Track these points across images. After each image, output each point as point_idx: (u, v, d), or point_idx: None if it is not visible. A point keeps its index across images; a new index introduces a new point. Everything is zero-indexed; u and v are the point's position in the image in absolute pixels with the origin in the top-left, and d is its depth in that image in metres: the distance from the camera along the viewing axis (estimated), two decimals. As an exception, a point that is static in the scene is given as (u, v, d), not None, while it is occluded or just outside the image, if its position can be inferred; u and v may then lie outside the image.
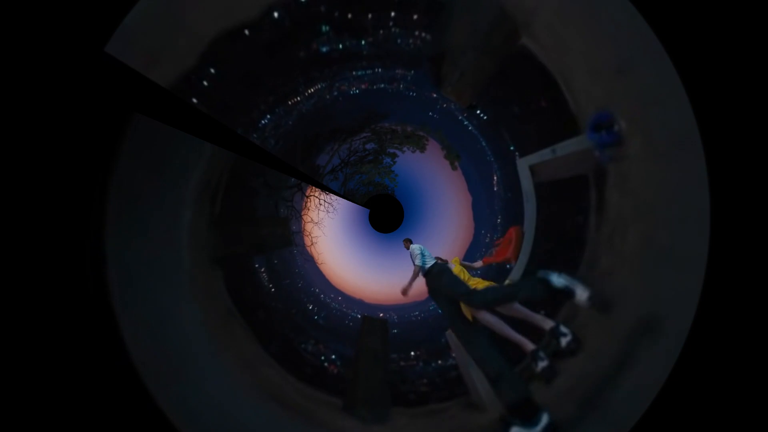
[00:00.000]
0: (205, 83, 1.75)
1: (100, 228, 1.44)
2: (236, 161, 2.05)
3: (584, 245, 1.88)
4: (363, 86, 2.22)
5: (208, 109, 1.75)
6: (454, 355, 2.16)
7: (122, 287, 1.48)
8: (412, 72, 2.16)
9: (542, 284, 1.84)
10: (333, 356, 2.26)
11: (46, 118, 1.28)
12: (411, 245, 2.30)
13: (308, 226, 2.60)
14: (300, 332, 2.31)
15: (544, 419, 1.61)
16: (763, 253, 1.34)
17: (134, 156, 1.48)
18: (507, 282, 2.10)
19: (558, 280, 1.81)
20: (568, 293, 1.79)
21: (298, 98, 2.15)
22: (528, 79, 1.92)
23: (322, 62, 2.04)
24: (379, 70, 2.15)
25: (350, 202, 2.59)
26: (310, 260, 2.59)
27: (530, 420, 1.62)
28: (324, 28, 1.92)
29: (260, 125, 2.10)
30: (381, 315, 2.44)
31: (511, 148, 2.24)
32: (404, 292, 2.17)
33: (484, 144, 2.37)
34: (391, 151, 2.55)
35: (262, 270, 2.35)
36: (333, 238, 2.62)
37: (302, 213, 2.56)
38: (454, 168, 2.54)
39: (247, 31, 1.76)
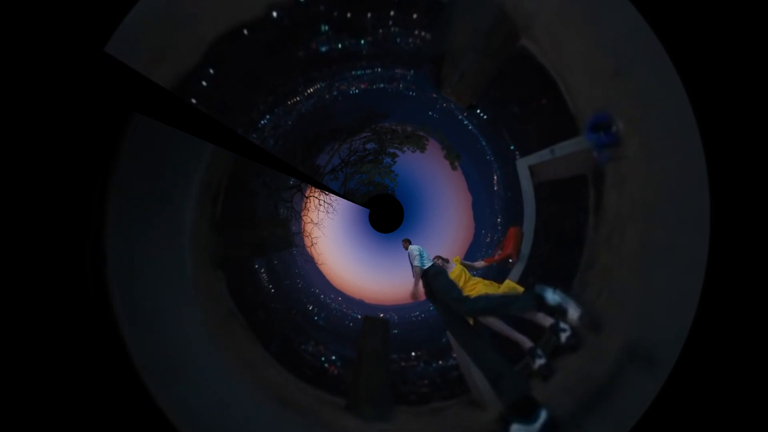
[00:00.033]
0: (204, 83, 1.76)
1: (100, 228, 1.44)
2: (237, 162, 2.05)
3: (583, 245, 1.88)
4: (362, 86, 2.22)
5: (207, 109, 1.75)
6: (454, 355, 2.16)
7: (122, 287, 1.48)
8: (412, 72, 2.16)
9: (536, 299, 1.87)
10: (333, 357, 2.26)
11: (47, 118, 1.29)
12: (410, 246, 2.31)
13: (308, 227, 2.60)
14: (300, 333, 2.31)
15: (543, 416, 1.62)
16: (763, 254, 1.34)
17: (134, 156, 1.49)
18: (506, 282, 2.10)
19: (552, 297, 1.84)
20: (561, 311, 1.79)
21: (298, 98, 2.15)
22: (528, 79, 1.92)
23: (322, 62, 2.04)
24: (379, 69, 2.15)
25: (350, 202, 2.59)
26: (310, 261, 2.58)
27: (529, 417, 1.63)
28: (323, 28, 1.93)
29: (260, 125, 2.10)
30: (381, 315, 2.44)
31: (511, 147, 2.24)
32: (414, 295, 2.21)
33: (484, 143, 2.37)
34: (391, 150, 2.55)
35: (262, 271, 2.35)
36: (333, 239, 2.61)
37: (302, 214, 2.56)
38: (454, 168, 2.54)
39: (246, 31, 1.76)
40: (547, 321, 1.87)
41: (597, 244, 1.83)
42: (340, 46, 2.00)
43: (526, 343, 1.91)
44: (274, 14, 1.79)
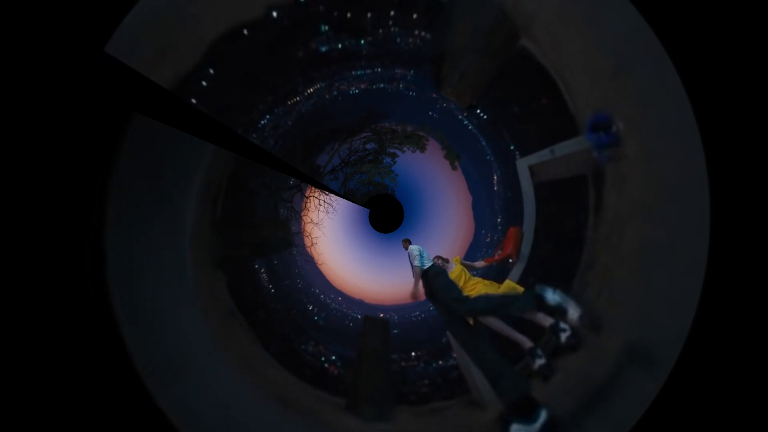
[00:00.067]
0: (204, 83, 1.75)
1: (100, 228, 1.44)
2: (237, 163, 2.05)
3: (583, 245, 1.88)
4: (362, 86, 2.22)
5: (207, 109, 1.75)
6: (454, 355, 2.16)
7: (122, 287, 1.48)
8: (412, 71, 2.16)
9: (536, 299, 1.87)
10: (333, 357, 2.26)
11: (47, 118, 1.29)
12: (410, 246, 2.32)
13: (308, 227, 2.60)
14: (300, 333, 2.31)
15: (543, 415, 1.62)
16: (763, 253, 1.34)
17: (134, 156, 1.48)
18: (506, 282, 2.10)
19: (553, 296, 1.83)
20: (561, 311, 1.79)
21: (298, 98, 2.15)
22: (528, 79, 1.93)
23: (322, 62, 2.04)
24: (379, 69, 2.15)
25: (350, 202, 2.59)
26: (310, 261, 2.58)
27: (529, 417, 1.63)
28: (323, 28, 1.92)
29: (259, 125, 2.10)
30: (381, 315, 2.44)
31: (511, 147, 2.24)
32: (414, 295, 2.21)
33: (484, 143, 2.37)
34: (391, 150, 2.55)
35: (262, 271, 2.35)
36: (333, 239, 2.61)
37: (302, 214, 2.56)
38: (454, 168, 2.54)
39: (246, 31, 1.76)
40: (547, 321, 1.87)
41: (597, 244, 1.83)
42: (340, 46, 2.00)
43: (526, 343, 1.91)
44: (274, 14, 1.79)
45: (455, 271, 2.19)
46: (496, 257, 2.26)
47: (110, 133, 1.37)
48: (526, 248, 2.14)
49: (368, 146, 2.52)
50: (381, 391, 2.11)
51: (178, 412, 1.44)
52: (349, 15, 1.91)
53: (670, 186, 1.53)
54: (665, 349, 1.40)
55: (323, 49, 1.99)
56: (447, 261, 2.26)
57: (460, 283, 2.16)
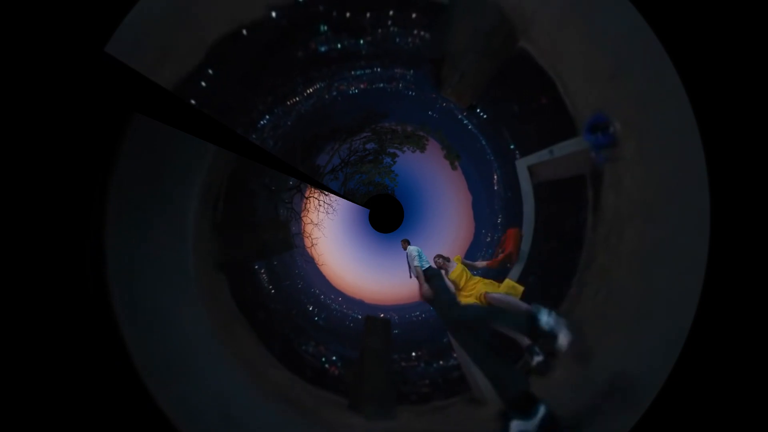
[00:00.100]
0: (204, 84, 1.76)
1: (100, 228, 1.44)
2: (237, 163, 2.06)
3: (582, 245, 1.89)
4: (362, 86, 2.22)
5: (206, 109, 1.76)
6: (455, 355, 2.16)
7: (122, 287, 1.48)
8: (411, 71, 2.16)
9: (529, 320, 1.86)
10: (334, 358, 2.25)
11: (46, 118, 1.29)
12: (408, 247, 2.33)
13: (308, 228, 2.60)
14: (300, 334, 2.31)
15: (542, 410, 1.63)
16: (763, 253, 1.34)
17: (134, 156, 1.49)
18: (505, 281, 2.11)
19: (547, 320, 1.82)
20: (551, 335, 1.78)
21: (297, 98, 2.15)
22: (527, 80, 1.93)
23: (321, 62, 2.04)
24: (378, 69, 2.15)
25: (350, 203, 2.59)
26: (311, 261, 2.58)
27: (529, 412, 1.64)
28: (322, 28, 1.93)
29: (259, 126, 2.10)
30: (381, 315, 2.44)
31: (511, 146, 2.24)
32: (424, 296, 2.22)
33: (483, 143, 2.38)
34: (391, 150, 2.55)
35: (263, 271, 2.35)
36: (333, 239, 2.61)
37: (302, 215, 2.56)
38: (454, 168, 2.54)
39: (245, 32, 1.76)
40: (524, 341, 1.91)
41: (595, 243, 1.84)
42: (339, 46, 2.00)
43: (525, 340, 1.92)
44: (273, 14, 1.80)
45: (456, 271, 2.20)
46: (499, 257, 2.26)
47: (110, 133, 1.37)
48: (525, 248, 2.14)
49: (368, 146, 2.52)
50: (383, 389, 2.11)
51: (178, 412, 1.44)
52: (348, 15, 1.91)
53: (670, 186, 1.54)
54: (664, 352, 1.41)
55: (322, 49, 2.00)
56: (448, 260, 2.26)
57: (462, 283, 2.17)
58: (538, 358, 1.86)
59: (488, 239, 2.49)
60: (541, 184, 2.14)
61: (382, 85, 2.22)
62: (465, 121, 2.34)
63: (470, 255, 2.41)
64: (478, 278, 2.17)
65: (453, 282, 2.21)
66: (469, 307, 2.07)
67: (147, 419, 1.40)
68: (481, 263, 2.30)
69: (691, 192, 1.41)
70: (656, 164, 1.58)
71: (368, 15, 1.94)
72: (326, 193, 2.56)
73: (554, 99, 1.86)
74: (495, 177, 2.43)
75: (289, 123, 2.19)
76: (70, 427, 1.32)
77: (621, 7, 1.44)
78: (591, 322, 1.77)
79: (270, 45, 1.88)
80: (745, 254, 1.34)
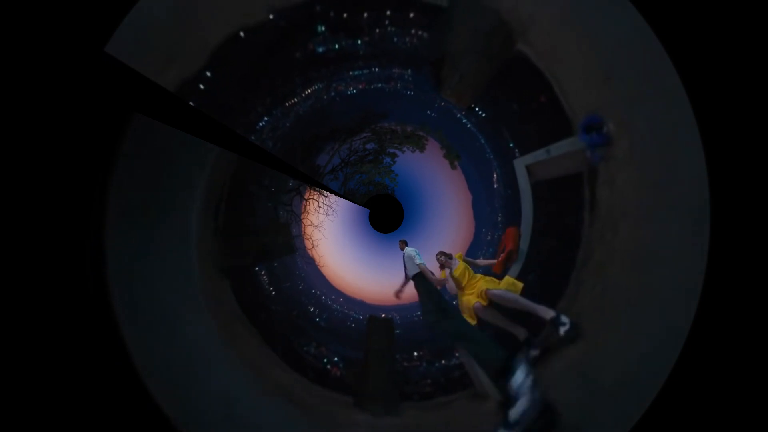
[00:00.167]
0: (202, 86, 1.77)
1: (100, 228, 1.45)
2: (238, 165, 2.07)
3: (579, 242, 1.91)
4: (360, 86, 2.23)
5: (205, 110, 1.76)
6: (457, 354, 2.15)
7: (122, 287, 1.48)
8: (410, 71, 2.18)
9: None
10: (335, 358, 2.25)
11: (46, 118, 1.30)
12: (406, 248, 2.35)
13: (308, 230, 2.60)
14: (301, 335, 2.30)
15: (521, 364, 1.70)
16: (763, 253, 1.34)
17: (134, 156, 1.50)
18: (505, 279, 2.13)
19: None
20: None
21: (296, 99, 2.16)
22: (525, 80, 1.96)
23: (319, 63, 2.06)
24: (376, 69, 2.17)
25: (350, 203, 2.59)
26: (311, 263, 2.58)
27: (511, 370, 1.70)
28: (320, 29, 1.94)
29: (258, 127, 2.11)
30: (383, 315, 2.43)
31: (511, 145, 2.25)
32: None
33: (483, 141, 2.38)
34: (391, 150, 2.56)
35: (263, 273, 2.35)
36: (333, 240, 2.61)
37: (302, 216, 2.56)
38: (453, 167, 2.55)
39: (242, 33, 1.78)
40: (522, 334, 1.97)
41: (592, 241, 1.86)
42: (336, 46, 2.01)
43: (522, 334, 1.97)
44: (270, 16, 1.81)
45: (459, 268, 2.23)
46: (501, 258, 2.27)
47: (110, 133, 1.38)
48: (524, 246, 2.16)
49: (368, 146, 2.53)
50: (388, 386, 2.12)
51: (178, 412, 1.44)
52: (345, 15, 1.93)
53: (669, 185, 1.55)
54: (664, 350, 1.40)
55: (320, 49, 2.01)
56: (451, 257, 2.29)
57: (464, 281, 2.20)
58: (534, 352, 1.88)
59: (488, 238, 2.49)
60: (538, 183, 2.16)
61: (380, 85, 2.23)
62: (464, 120, 2.35)
63: (471, 254, 2.41)
64: (479, 275, 2.20)
65: (455, 280, 2.23)
66: (453, 324, 2.12)
67: (147, 419, 1.39)
68: (482, 261, 2.32)
69: (690, 189, 1.42)
70: (653, 163, 1.60)
71: (366, 15, 1.96)
72: (326, 193, 2.57)
73: (552, 99, 1.89)
74: (495, 176, 2.44)
75: (288, 124, 2.20)
76: (70, 427, 1.32)
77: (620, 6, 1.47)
78: (589, 317, 1.78)
79: (268, 46, 1.89)
80: (746, 250, 1.34)
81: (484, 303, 2.11)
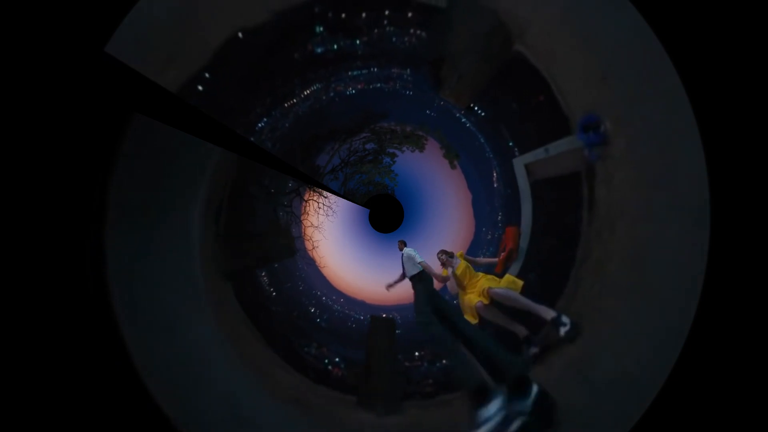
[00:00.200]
0: (201, 87, 1.77)
1: (100, 228, 1.45)
2: (239, 166, 2.07)
3: (578, 240, 1.92)
4: (359, 86, 2.24)
5: (205, 111, 1.77)
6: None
7: (122, 287, 1.48)
8: (408, 70, 2.18)
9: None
10: (336, 359, 2.24)
11: (46, 118, 1.30)
12: (405, 248, 2.36)
13: (308, 231, 2.60)
14: (302, 335, 2.30)
15: (534, 389, 1.68)
16: (763, 253, 1.34)
17: (134, 156, 1.50)
18: (505, 277, 2.14)
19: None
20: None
21: (295, 100, 2.17)
22: (523, 80, 1.97)
23: (318, 63, 2.06)
24: (375, 69, 2.17)
25: (349, 203, 2.60)
26: (312, 264, 2.58)
27: (524, 393, 1.68)
28: (318, 29, 1.95)
29: (257, 128, 2.11)
30: (384, 315, 2.44)
31: (510, 144, 2.26)
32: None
33: (482, 141, 2.39)
34: (391, 150, 2.57)
35: (263, 274, 2.35)
36: (333, 240, 2.61)
37: (302, 218, 2.57)
38: (453, 167, 2.55)
39: (241, 34, 1.78)
40: (522, 332, 1.98)
41: (590, 239, 1.87)
42: (335, 47, 2.02)
43: (522, 332, 1.99)
44: (269, 17, 1.82)
45: (460, 267, 2.24)
46: (501, 257, 2.27)
47: (110, 133, 1.39)
48: (524, 245, 2.16)
49: (368, 146, 2.53)
50: (390, 385, 2.12)
51: (178, 412, 1.43)
52: (343, 16, 1.93)
53: (668, 184, 1.55)
54: (664, 350, 1.40)
55: (319, 50, 2.02)
56: (452, 256, 2.30)
57: (465, 280, 2.21)
58: (534, 350, 1.92)
59: (489, 237, 2.49)
60: (537, 182, 2.16)
61: (379, 85, 2.24)
62: (463, 120, 2.35)
63: (471, 253, 2.42)
64: (480, 274, 2.21)
65: (457, 279, 2.24)
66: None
67: (147, 419, 1.39)
68: (482, 260, 2.32)
69: (690, 188, 1.42)
70: (652, 161, 1.61)
71: (364, 15, 1.96)
72: (326, 193, 2.57)
73: (550, 99, 1.90)
74: (494, 175, 2.44)
75: (287, 125, 2.20)
76: (71, 427, 1.31)
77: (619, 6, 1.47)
78: (588, 316, 1.78)
79: (267, 47, 1.90)
80: (746, 250, 1.34)
81: (486, 302, 2.12)
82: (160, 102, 1.49)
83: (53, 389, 1.32)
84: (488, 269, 2.28)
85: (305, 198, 2.56)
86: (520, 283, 2.10)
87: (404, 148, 2.55)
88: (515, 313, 2.06)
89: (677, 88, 1.39)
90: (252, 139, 2.09)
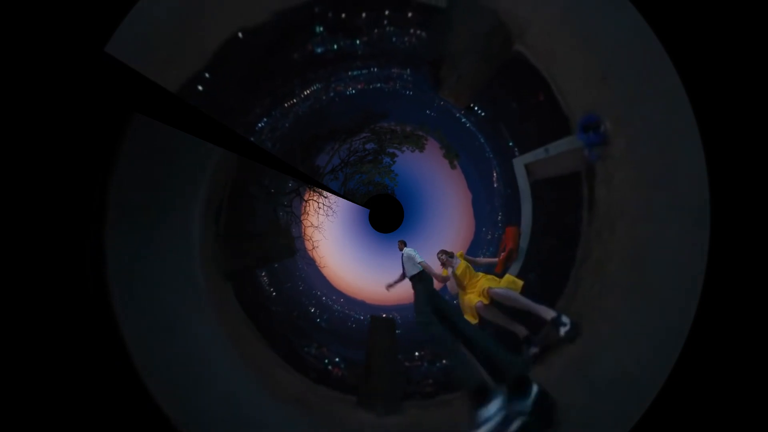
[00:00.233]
0: (200, 87, 1.77)
1: (100, 228, 1.45)
2: (239, 166, 2.07)
3: (578, 240, 1.92)
4: (359, 86, 2.24)
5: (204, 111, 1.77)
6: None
7: (122, 287, 1.48)
8: (408, 70, 2.18)
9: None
10: (336, 359, 2.25)
11: (46, 118, 1.30)
12: (405, 249, 2.36)
13: (308, 231, 2.60)
14: (302, 335, 2.30)
15: (534, 389, 1.69)
16: (763, 253, 1.34)
17: (135, 156, 1.50)
18: (506, 277, 2.14)
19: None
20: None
21: (294, 100, 2.17)
22: (523, 80, 1.97)
23: (317, 63, 2.06)
24: (375, 69, 2.17)
25: (349, 203, 2.60)
26: (312, 264, 2.58)
27: (523, 393, 1.68)
28: (318, 29, 1.95)
29: (257, 128, 2.11)
30: (384, 315, 2.44)
31: (510, 144, 2.26)
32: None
33: (482, 141, 2.39)
34: (391, 150, 2.57)
35: (263, 274, 2.35)
36: (333, 241, 2.61)
37: (302, 218, 2.57)
38: (453, 166, 2.55)
39: (240, 34, 1.78)
40: (522, 332, 1.98)
41: (590, 239, 1.87)
42: (335, 47, 2.02)
43: (523, 331, 2.00)
44: (269, 17, 1.81)
45: (460, 267, 2.25)
46: (501, 257, 2.28)
47: (110, 133, 1.39)
48: (524, 245, 2.16)
49: (368, 146, 2.53)
50: (390, 386, 2.12)
51: (178, 412, 1.43)
52: (343, 16, 1.93)
53: (668, 184, 1.55)
54: (663, 349, 1.40)
55: (319, 50, 2.02)
56: (452, 255, 2.30)
57: (466, 280, 2.21)
58: (534, 350, 1.92)
59: (489, 237, 2.49)
60: (537, 182, 2.17)
61: (379, 85, 2.24)
62: (463, 119, 2.35)
63: (472, 253, 2.42)
64: (480, 274, 2.21)
65: (457, 278, 2.24)
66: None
67: (147, 419, 1.39)
68: (482, 260, 2.33)
69: (690, 188, 1.42)
70: (650, 161, 1.61)
71: (364, 15, 1.96)
72: (326, 193, 2.57)
73: (550, 99, 1.90)
74: (494, 175, 2.44)
75: (287, 125, 2.20)
76: (71, 427, 1.32)
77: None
78: (588, 316, 1.79)
79: (266, 47, 1.90)
80: (746, 250, 1.34)
81: (486, 301, 2.12)
82: (160, 102, 1.49)
83: (53, 389, 1.32)
84: (488, 269, 2.28)
85: (305, 198, 2.56)
86: (520, 283, 2.11)
87: (404, 148, 2.55)
88: (515, 313, 2.07)
89: (677, 88, 1.40)
90: (252, 139, 2.09)
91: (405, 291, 2.36)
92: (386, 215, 2.56)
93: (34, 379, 1.31)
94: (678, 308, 1.41)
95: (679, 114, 1.40)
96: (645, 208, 1.64)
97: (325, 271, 2.57)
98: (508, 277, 2.15)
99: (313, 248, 2.60)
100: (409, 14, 1.95)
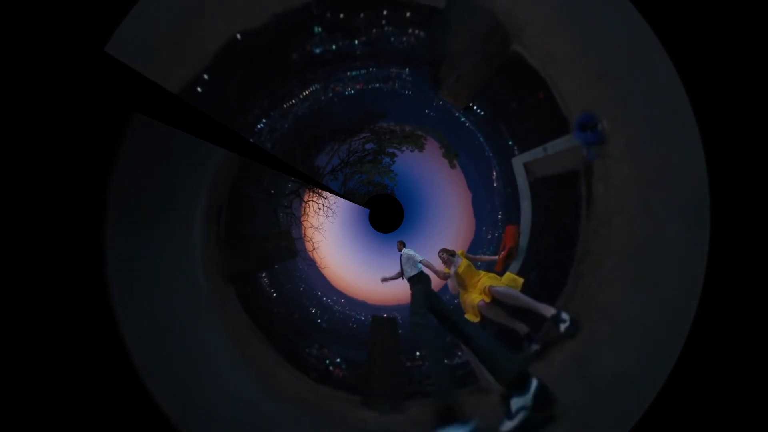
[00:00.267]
0: (200, 88, 1.77)
1: (100, 228, 1.45)
2: (240, 168, 2.08)
3: (576, 238, 1.93)
4: (358, 86, 2.24)
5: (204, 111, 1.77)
6: (460, 353, 2.16)
7: (122, 287, 1.48)
8: (407, 70, 2.19)
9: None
10: (338, 359, 2.25)
11: (46, 118, 1.31)
12: (404, 249, 2.36)
13: (309, 232, 2.60)
14: (303, 336, 2.30)
15: (534, 384, 1.70)
16: (763, 253, 1.33)
17: (135, 156, 1.50)
18: (506, 275, 2.15)
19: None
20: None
21: (294, 101, 2.17)
22: (521, 81, 1.98)
23: (316, 64, 2.07)
24: (374, 69, 2.18)
25: (349, 203, 2.60)
26: (312, 265, 2.58)
27: (523, 389, 1.70)
28: (316, 30, 1.95)
29: (257, 129, 2.12)
30: (385, 315, 2.44)
31: (509, 143, 2.26)
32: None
33: (482, 140, 2.39)
34: (390, 150, 2.57)
35: (264, 275, 2.35)
36: (333, 241, 2.62)
37: (302, 219, 2.57)
38: (452, 166, 2.55)
39: (239, 36, 1.79)
40: (523, 329, 2.01)
41: (588, 237, 1.87)
42: (333, 47, 2.02)
43: (523, 329, 2.02)
44: (268, 18, 1.82)
45: (462, 265, 2.25)
46: (501, 256, 2.28)
47: (110, 133, 1.39)
48: (524, 243, 2.17)
49: (367, 146, 2.53)
50: (393, 385, 2.12)
51: (178, 412, 1.43)
52: (342, 16, 1.94)
53: (668, 183, 1.55)
54: (663, 348, 1.40)
55: (317, 50, 2.02)
56: (453, 254, 2.30)
57: (467, 278, 2.22)
58: (535, 347, 1.95)
59: (489, 236, 2.49)
60: (536, 181, 2.17)
61: (378, 85, 2.25)
62: (462, 119, 2.36)
63: (472, 252, 2.42)
64: (481, 272, 2.22)
65: (458, 277, 2.24)
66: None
67: (147, 419, 1.39)
68: (483, 258, 2.33)
69: (690, 187, 1.42)
70: (650, 160, 1.62)
71: (362, 15, 1.97)
72: (326, 193, 2.57)
73: (548, 98, 1.91)
74: (494, 174, 2.45)
75: (286, 126, 2.21)
76: (71, 427, 1.31)
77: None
78: (587, 314, 1.79)
79: (265, 48, 1.90)
80: (746, 250, 1.33)
81: (488, 300, 2.12)
82: (160, 102, 1.50)
83: (53, 389, 1.32)
84: (488, 267, 2.28)
85: (305, 199, 2.56)
86: (521, 280, 2.12)
87: (404, 148, 2.56)
88: (516, 311, 2.08)
89: (677, 88, 1.40)
90: (252, 139, 2.10)
91: (405, 291, 2.36)
92: (386, 215, 2.56)
93: (34, 379, 1.31)
94: (678, 308, 1.41)
95: (679, 114, 1.40)
96: (644, 206, 1.64)
97: (326, 272, 2.57)
98: (508, 275, 2.16)
99: (314, 249, 2.60)
100: (408, 14, 1.96)
